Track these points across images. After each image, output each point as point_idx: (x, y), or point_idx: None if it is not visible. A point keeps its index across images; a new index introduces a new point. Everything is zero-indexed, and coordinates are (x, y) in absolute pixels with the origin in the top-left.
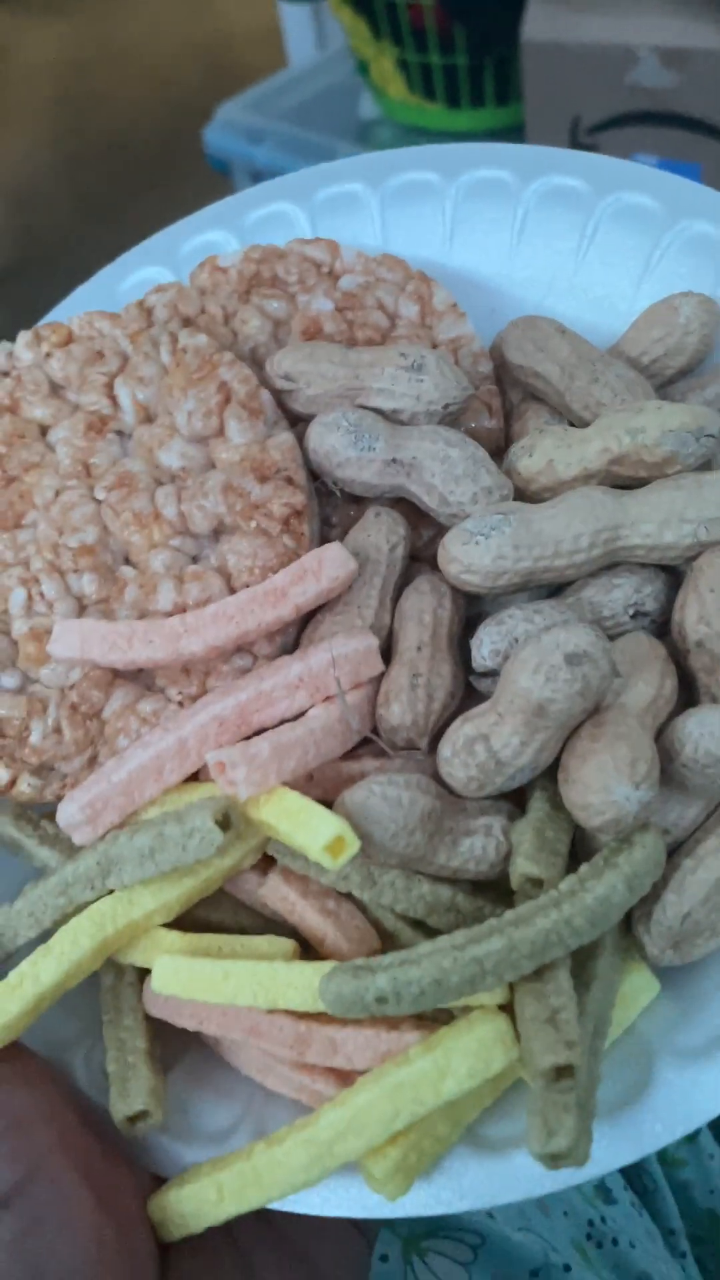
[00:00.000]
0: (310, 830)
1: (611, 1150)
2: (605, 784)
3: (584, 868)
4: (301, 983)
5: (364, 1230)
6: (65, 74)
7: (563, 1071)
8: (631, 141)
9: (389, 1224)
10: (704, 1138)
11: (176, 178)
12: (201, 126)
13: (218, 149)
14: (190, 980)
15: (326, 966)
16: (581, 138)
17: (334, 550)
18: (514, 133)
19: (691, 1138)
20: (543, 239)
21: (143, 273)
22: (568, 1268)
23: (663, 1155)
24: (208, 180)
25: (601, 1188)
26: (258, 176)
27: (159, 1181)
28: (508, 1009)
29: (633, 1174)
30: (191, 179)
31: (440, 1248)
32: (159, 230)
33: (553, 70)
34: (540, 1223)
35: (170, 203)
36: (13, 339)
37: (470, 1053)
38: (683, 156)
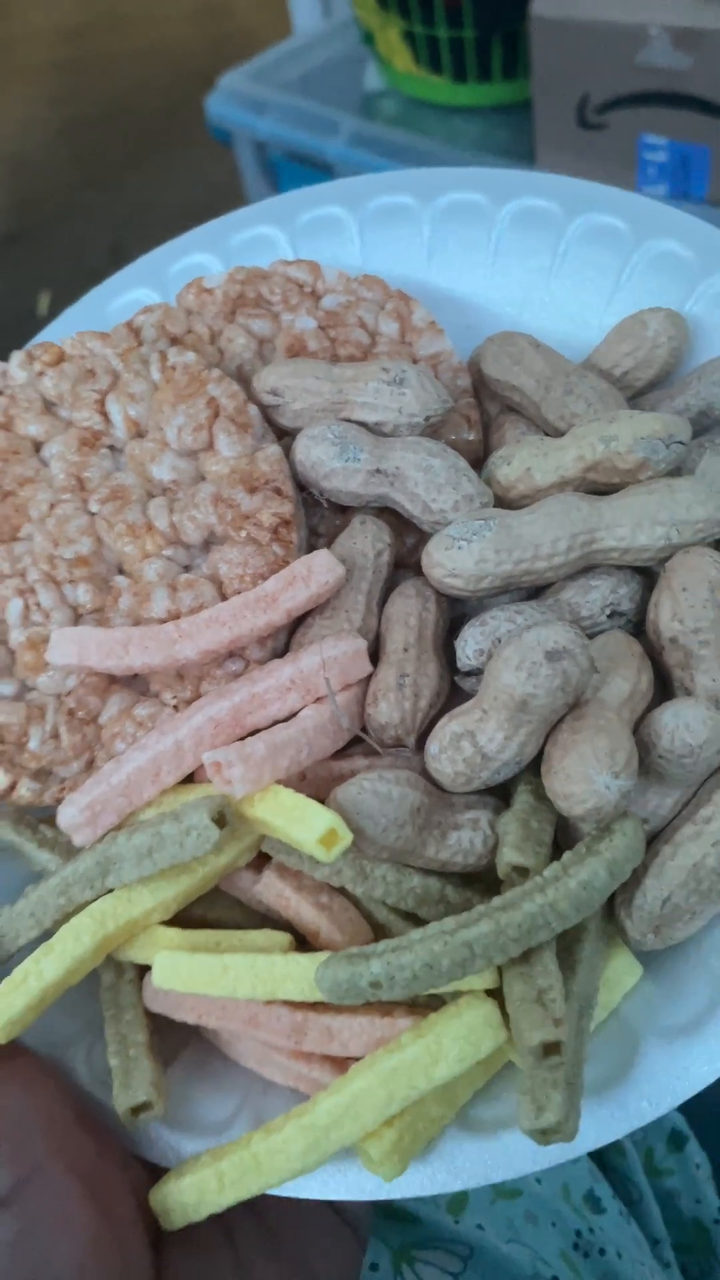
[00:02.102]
0: (304, 824)
1: (600, 1126)
2: (586, 773)
3: (567, 855)
4: (298, 973)
5: (358, 1233)
6: (66, 39)
7: (550, 1048)
8: (640, 122)
9: (379, 1234)
10: (690, 1147)
11: (177, 144)
12: (203, 93)
13: (220, 119)
14: (190, 974)
15: (322, 957)
16: (589, 116)
17: (323, 557)
18: (521, 109)
19: (679, 1147)
20: (516, 258)
21: (131, 294)
22: (556, 1278)
23: (649, 1165)
24: (208, 148)
25: (590, 1197)
26: (260, 147)
27: (155, 1174)
28: (496, 995)
29: (620, 1183)
30: (192, 146)
31: (430, 1258)
32: (159, 198)
33: (561, 47)
34: (528, 1233)
35: (170, 169)
36: (12, 304)
37: (460, 1037)
38: (692, 138)
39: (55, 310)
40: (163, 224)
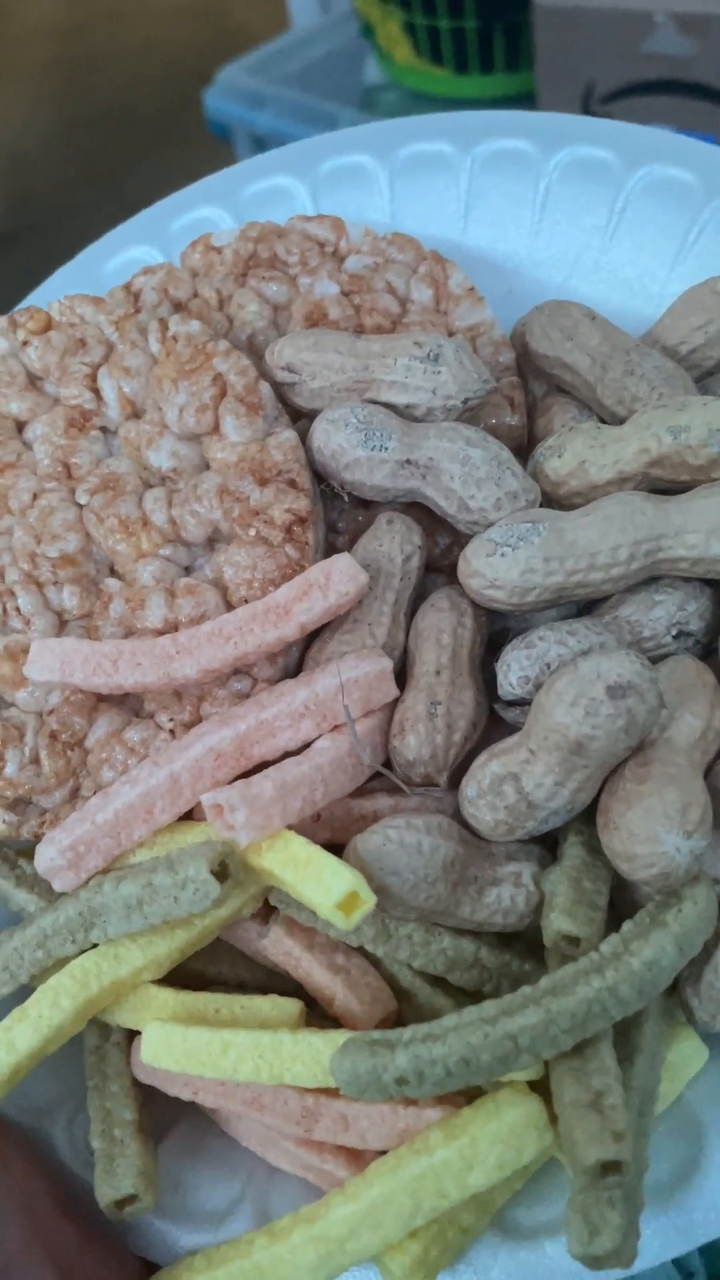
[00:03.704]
0: (320, 885)
1: (659, 1243)
2: (654, 833)
3: (627, 926)
4: (309, 1056)
5: None
6: (63, 37)
7: (609, 1167)
8: (647, 111)
9: None
10: None
11: (176, 143)
12: (201, 89)
13: (218, 114)
14: (184, 1052)
15: (337, 1038)
16: (594, 106)
17: (343, 562)
18: (524, 100)
19: None
20: (567, 215)
21: (130, 252)
22: None
23: None
24: (207, 146)
25: None
26: (259, 142)
27: (148, 1266)
28: (542, 1086)
29: None
30: (191, 144)
31: None
32: (158, 196)
33: (566, 36)
34: None
35: (169, 168)
36: (9, 302)
37: (500, 1140)
38: (700, 127)
39: None
40: None
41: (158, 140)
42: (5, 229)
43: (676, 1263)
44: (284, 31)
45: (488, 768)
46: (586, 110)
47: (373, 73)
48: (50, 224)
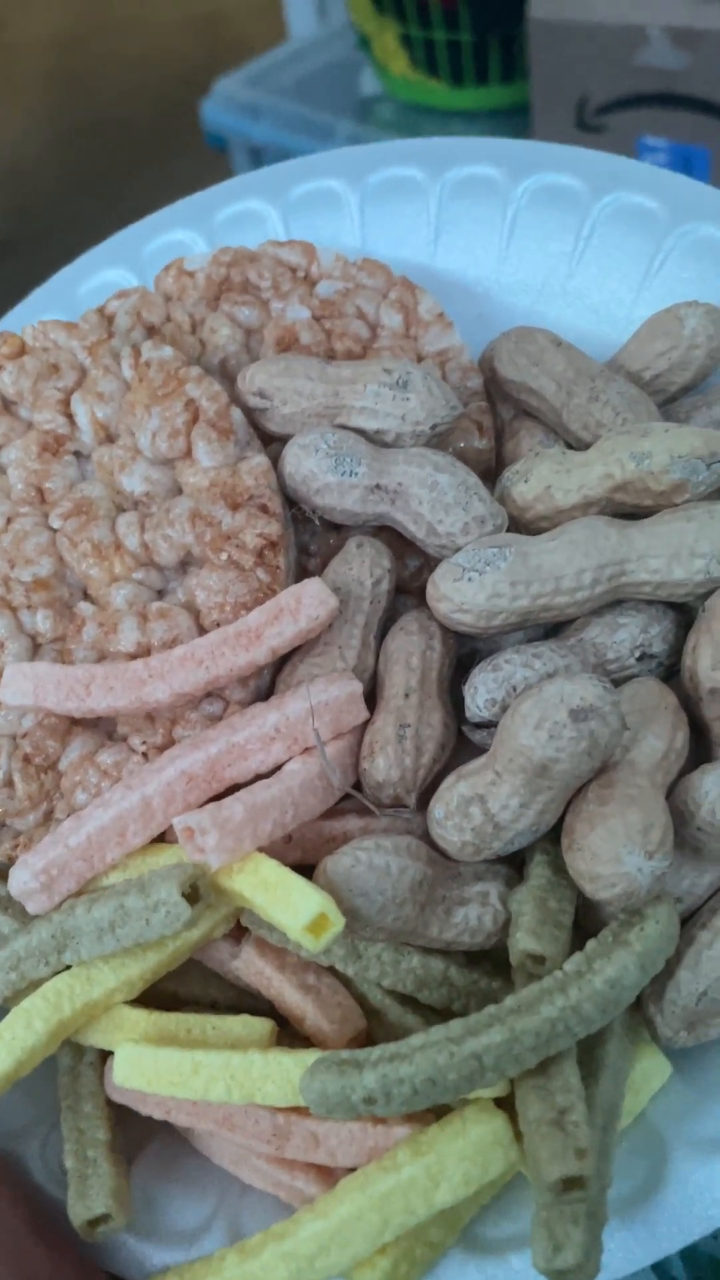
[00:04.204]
0: (289, 908)
1: (623, 1255)
2: (616, 854)
3: (591, 945)
4: (280, 1076)
5: None
6: (61, 47)
7: (572, 1182)
8: (639, 123)
9: None
10: None
11: (172, 154)
12: (198, 101)
13: (215, 125)
14: (156, 1073)
15: (307, 1057)
16: (588, 118)
17: (313, 587)
18: (519, 112)
19: None
20: (535, 241)
21: (104, 275)
22: None
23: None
24: (204, 157)
25: None
26: (256, 153)
27: None
28: (507, 1104)
29: None
30: (188, 155)
31: None
32: (155, 206)
33: (560, 49)
34: None
35: (166, 179)
36: (2, 314)
37: (466, 1157)
38: (692, 139)
39: None
40: None
41: (155, 151)
42: (3, 238)
43: (657, 1269)
44: (281, 43)
45: (455, 789)
46: (580, 122)
47: (369, 84)
48: (48, 234)
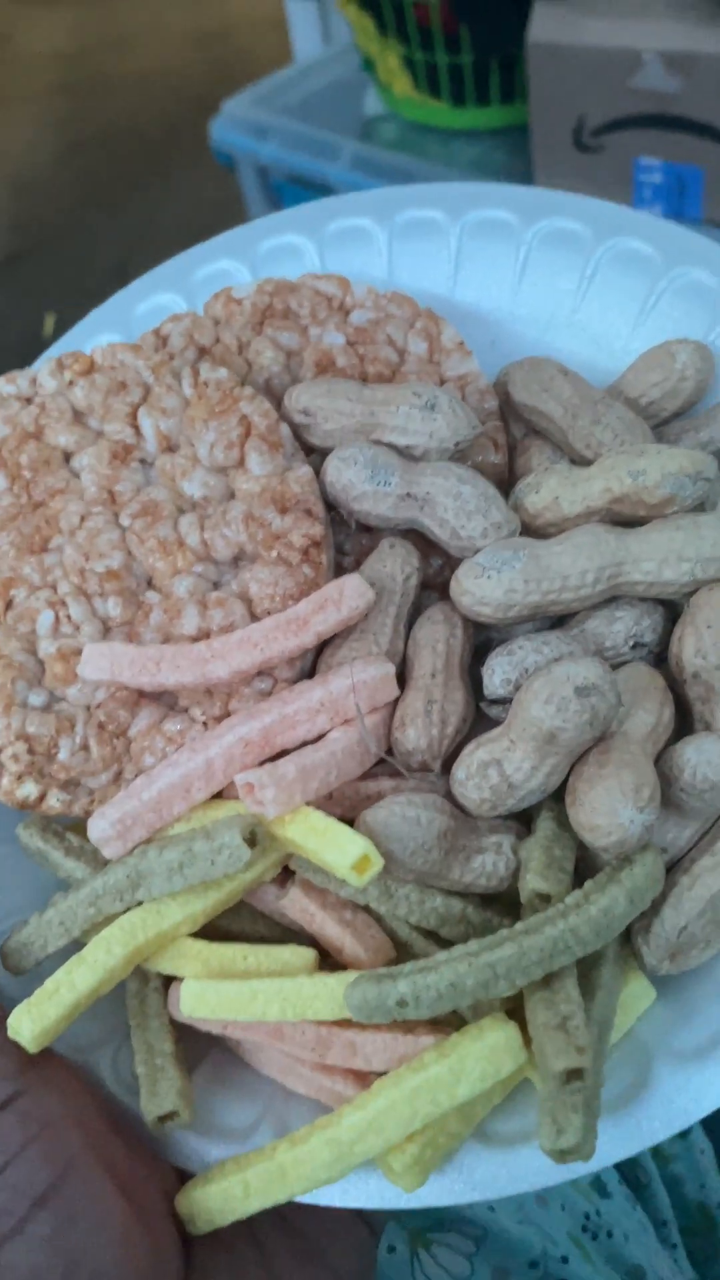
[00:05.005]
0: (338, 849)
1: (613, 1145)
2: (612, 807)
3: (589, 883)
4: (326, 994)
5: (371, 1224)
6: (68, 62)
7: (572, 1074)
8: (635, 144)
9: (396, 1218)
10: (695, 1133)
11: (179, 167)
12: (205, 116)
13: (223, 143)
14: (218, 1002)
15: (348, 977)
16: (585, 138)
17: (354, 581)
18: (518, 132)
19: (684, 1134)
20: (544, 278)
21: (156, 298)
22: (565, 1259)
23: (656, 1150)
24: (209, 169)
25: (597, 1182)
26: (262, 171)
27: (183, 1176)
28: (517, 1016)
29: (627, 1168)
30: (194, 168)
31: (445, 1240)
32: (160, 218)
33: (557, 71)
34: (539, 1215)
35: (172, 192)
36: (12, 325)
37: (482, 1058)
38: (686, 160)
39: (60, 330)
40: (165, 244)
41: (161, 164)
42: (12, 250)
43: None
44: (286, 58)
45: (475, 755)
46: (578, 142)
47: (373, 104)
48: (55, 245)
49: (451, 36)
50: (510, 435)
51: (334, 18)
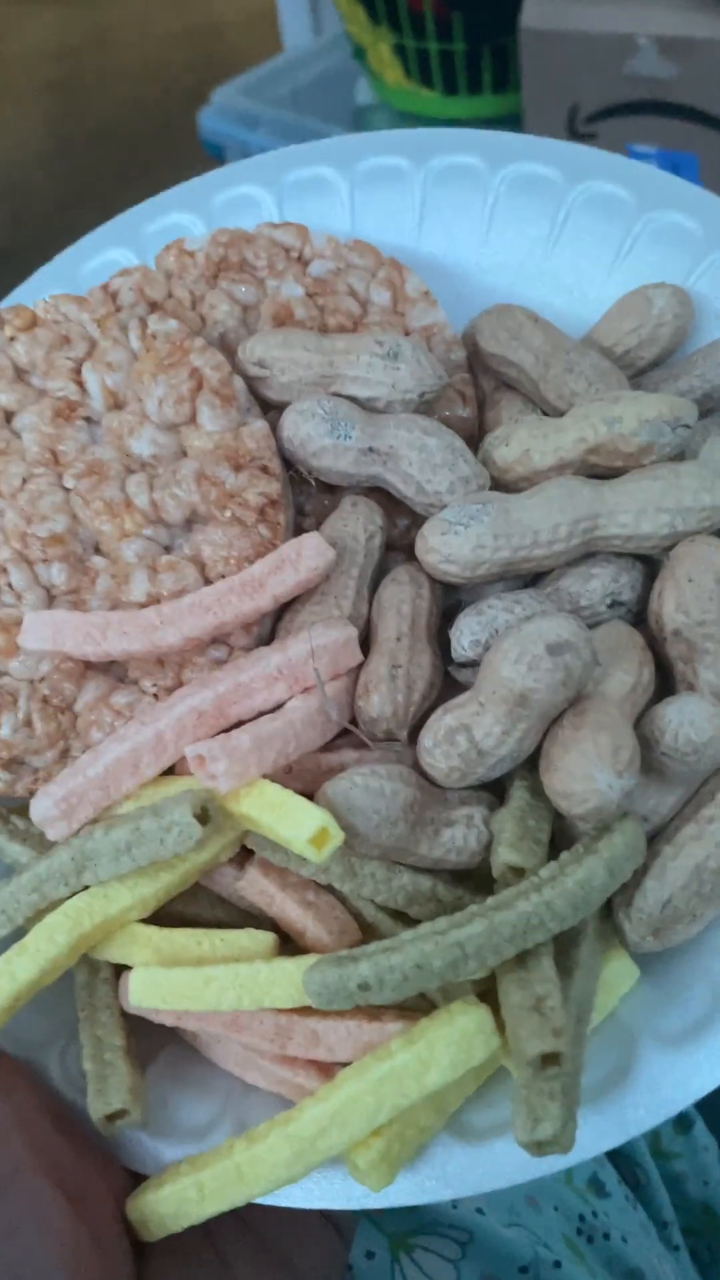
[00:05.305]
0: (293, 823)
1: (596, 1135)
2: (588, 772)
3: (565, 854)
4: (285, 980)
5: (340, 1229)
6: (57, 59)
7: (548, 1059)
8: (629, 131)
9: (374, 1222)
10: (698, 1130)
11: (169, 165)
12: (194, 111)
13: (213, 134)
14: (170, 990)
15: (308, 961)
16: (579, 126)
17: (312, 540)
18: (511, 120)
19: (686, 1130)
20: (513, 225)
21: (106, 254)
22: (558, 1264)
23: (656, 1148)
24: (200, 166)
25: (594, 1181)
26: None
27: (137, 1179)
28: (490, 998)
29: (625, 1167)
30: (184, 166)
31: (428, 1244)
32: None
33: (551, 58)
34: (530, 1218)
35: (163, 188)
36: (9, 294)
37: (452, 1043)
38: (681, 147)
39: None
40: None
41: (152, 160)
42: (1, 247)
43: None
44: (277, 54)
45: (442, 721)
46: (571, 129)
47: (364, 94)
48: (46, 242)
49: (444, 24)
50: (479, 388)
51: (324, 6)
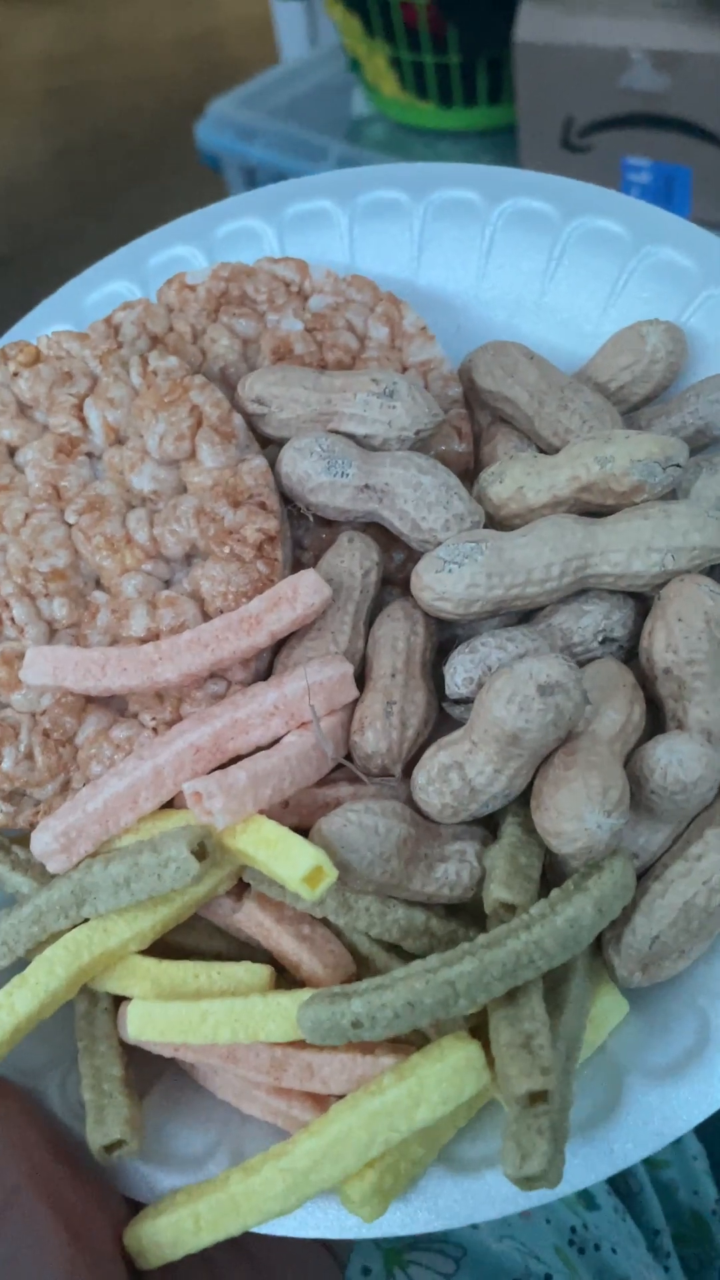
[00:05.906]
0: (289, 861)
1: (584, 1168)
2: (579, 812)
3: (555, 892)
4: (279, 1014)
5: (334, 1251)
6: (57, 66)
7: (537, 1096)
8: (623, 144)
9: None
10: (688, 1139)
11: (167, 170)
12: (193, 120)
13: (209, 145)
14: (167, 1024)
15: (302, 996)
16: (573, 139)
17: (309, 578)
18: (506, 132)
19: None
20: (510, 260)
21: (109, 287)
22: (549, 1276)
23: (647, 1157)
24: (198, 173)
25: (584, 1193)
26: (249, 173)
27: (134, 1206)
28: (481, 1034)
29: (616, 1177)
30: (182, 172)
31: (422, 1259)
32: (149, 222)
33: (545, 71)
34: (521, 1230)
35: (160, 195)
36: (3, 328)
37: (443, 1079)
38: (674, 159)
39: None
40: None
41: (149, 168)
42: (0, 254)
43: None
44: (273, 64)
45: (436, 758)
46: (565, 142)
47: (360, 105)
48: (44, 249)
49: (439, 37)
50: (475, 424)
51: (321, 19)
